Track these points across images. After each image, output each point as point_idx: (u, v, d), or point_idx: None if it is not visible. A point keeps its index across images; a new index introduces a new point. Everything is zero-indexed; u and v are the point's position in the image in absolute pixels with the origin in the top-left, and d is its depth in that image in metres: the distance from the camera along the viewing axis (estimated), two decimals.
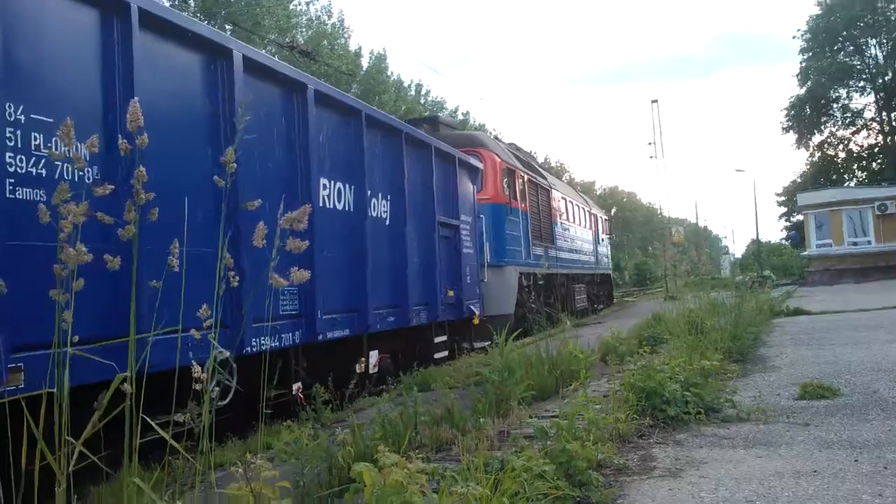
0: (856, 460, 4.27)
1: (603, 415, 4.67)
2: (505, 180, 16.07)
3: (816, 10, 51.32)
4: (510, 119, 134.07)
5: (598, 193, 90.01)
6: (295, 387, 7.18)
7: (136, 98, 2.30)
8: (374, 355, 8.89)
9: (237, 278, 2.58)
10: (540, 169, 22.05)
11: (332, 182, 8.06)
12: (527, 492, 3.05)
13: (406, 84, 52.45)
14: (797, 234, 49.99)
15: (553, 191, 21.20)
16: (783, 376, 7.50)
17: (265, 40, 34.06)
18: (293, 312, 7.07)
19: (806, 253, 39.75)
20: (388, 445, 4.60)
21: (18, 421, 2.42)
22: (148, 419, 2.33)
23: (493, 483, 2.98)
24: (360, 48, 48.28)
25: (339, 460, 3.65)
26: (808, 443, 4.77)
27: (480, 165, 14.00)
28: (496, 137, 21.28)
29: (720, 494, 3.78)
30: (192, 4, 35.27)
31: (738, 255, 72.45)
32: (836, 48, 51.59)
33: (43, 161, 4.47)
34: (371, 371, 8.79)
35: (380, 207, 9.26)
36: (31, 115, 4.42)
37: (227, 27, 33.78)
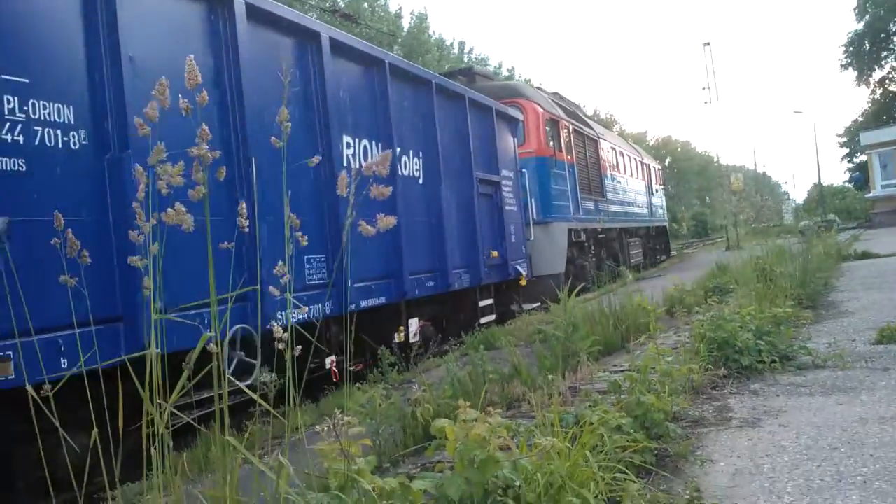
0: None
1: (675, 366, 4.58)
2: (548, 131, 15.23)
3: None
4: (557, 73, 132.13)
5: (650, 144, 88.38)
6: (329, 360, 6.69)
7: (191, 56, 2.23)
8: (413, 323, 8.45)
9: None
10: (586, 119, 21.00)
11: (357, 140, 7.59)
12: (606, 444, 3.01)
13: (448, 43, 51.96)
14: (861, 176, 48.50)
15: (601, 141, 20.22)
16: (857, 321, 7.29)
17: (306, 5, 33.99)
18: (321, 282, 6.60)
19: (871, 194, 38.53)
20: (458, 403, 4.63)
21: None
22: (235, 380, 2.35)
23: (570, 437, 2.95)
24: (400, 9, 48.06)
25: (419, 417, 3.66)
26: (889, 388, 4.63)
27: (521, 116, 13.26)
28: (538, 87, 20.00)
29: (802, 442, 3.69)
30: None
31: (800, 200, 70.75)
32: None
33: (19, 127, 4.10)
34: (412, 340, 8.32)
35: (411, 165, 8.73)
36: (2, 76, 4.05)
37: None
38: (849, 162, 59.75)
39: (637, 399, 3.70)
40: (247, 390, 2.43)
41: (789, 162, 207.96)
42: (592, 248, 17.56)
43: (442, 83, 9.77)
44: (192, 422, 2.81)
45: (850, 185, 59.97)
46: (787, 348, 5.74)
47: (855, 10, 51.26)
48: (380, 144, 7.93)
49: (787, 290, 8.23)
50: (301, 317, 6.07)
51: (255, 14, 6.09)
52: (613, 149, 21.75)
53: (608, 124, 61.56)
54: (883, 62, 52.48)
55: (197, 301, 4.10)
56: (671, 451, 3.61)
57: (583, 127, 18.38)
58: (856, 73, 52.93)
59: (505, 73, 55.40)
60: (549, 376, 5.20)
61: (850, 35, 52.15)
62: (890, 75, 53.11)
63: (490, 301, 10.89)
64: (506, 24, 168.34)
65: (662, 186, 31.38)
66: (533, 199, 13.92)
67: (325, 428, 2.18)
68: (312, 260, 6.52)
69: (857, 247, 17.13)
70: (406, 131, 8.60)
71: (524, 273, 11.81)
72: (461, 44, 53.59)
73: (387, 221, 2.25)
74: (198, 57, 5.29)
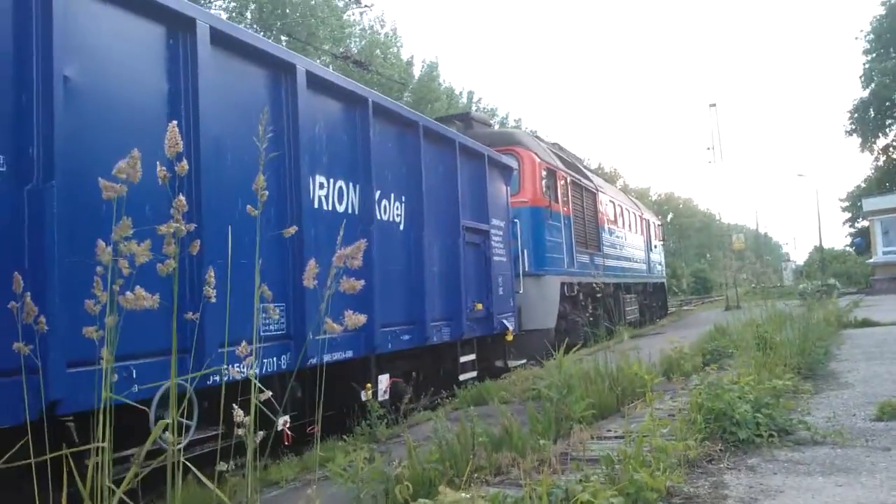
0: None
1: (671, 439, 4.43)
2: (544, 181, 14.81)
3: (880, 11, 49.86)
4: (564, 127, 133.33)
5: (653, 199, 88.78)
6: (281, 421, 5.69)
7: (174, 123, 2.12)
8: (383, 380, 7.81)
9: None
10: (585, 170, 20.68)
11: (332, 180, 7.10)
12: None
13: (458, 92, 52.53)
14: (862, 241, 48.54)
15: (599, 193, 19.80)
16: (857, 394, 7.14)
17: (319, 51, 34.44)
18: (278, 333, 6.05)
19: (872, 260, 38.50)
20: (445, 467, 4.48)
21: None
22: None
23: None
24: (412, 57, 48.71)
25: (397, 496, 3.52)
26: (890, 469, 4.47)
27: (515, 164, 12.83)
28: (537, 136, 19.73)
29: None
30: (249, 17, 35.86)
31: (800, 262, 70.78)
32: None
33: None
34: (381, 398, 7.64)
35: (392, 210, 8.20)
36: None
37: (283, 38, 34.23)
38: (850, 227, 59.91)
39: (630, 476, 3.56)
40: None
41: (791, 224, 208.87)
42: (586, 303, 17.08)
43: (430, 126, 9.32)
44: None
45: (850, 250, 60.00)
46: (786, 422, 5.58)
47: (861, 77, 51.94)
48: (358, 186, 7.50)
49: (787, 358, 8.08)
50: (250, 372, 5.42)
51: (221, 40, 5.68)
52: (612, 202, 21.41)
53: (612, 179, 61.91)
54: (887, 130, 53.00)
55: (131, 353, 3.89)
56: None
57: (581, 178, 18.02)
58: (860, 139, 53.41)
59: (512, 123, 55.96)
60: (541, 441, 5.05)
61: (855, 102, 52.75)
62: (894, 143, 53.56)
63: (472, 356, 10.29)
64: (516, 76, 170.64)
65: (662, 242, 30.89)
66: (525, 250, 13.48)
67: None
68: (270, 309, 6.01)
69: (858, 314, 16.99)
70: (388, 174, 8.16)
71: (511, 327, 11.26)
72: (470, 93, 54.26)
73: (350, 285, 2.10)
74: (152, 82, 5.05)
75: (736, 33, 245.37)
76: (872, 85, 50.57)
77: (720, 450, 5.05)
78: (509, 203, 12.18)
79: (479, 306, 10.17)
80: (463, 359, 9.91)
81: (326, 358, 6.42)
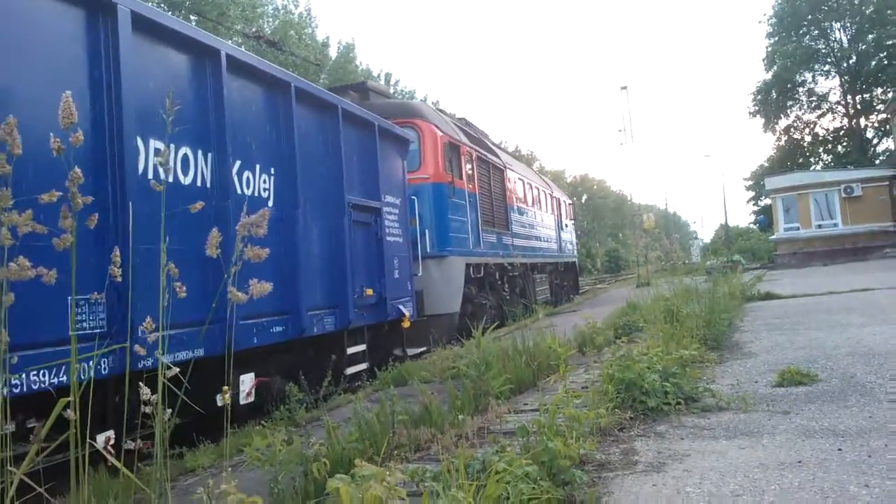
0: (839, 449, 4.23)
1: (584, 409, 4.57)
2: (447, 156, 13.77)
3: None
4: (482, 110, 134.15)
5: (568, 181, 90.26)
6: (101, 438, 4.84)
7: (68, 93, 2.05)
8: (246, 380, 6.72)
9: None
10: (494, 147, 19.70)
11: (171, 145, 5.90)
12: (511, 496, 2.94)
13: (375, 73, 52.12)
14: (765, 218, 50.60)
15: (508, 171, 18.84)
16: (760, 363, 7.49)
17: (231, 30, 33.58)
18: (97, 331, 4.92)
19: (774, 236, 40.17)
20: (364, 446, 4.51)
21: None
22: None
23: (475, 489, 2.87)
24: (327, 38, 48.01)
25: (315, 473, 3.52)
26: (789, 432, 4.72)
27: (412, 137, 12.00)
28: (440, 110, 18.32)
29: (705, 488, 3.71)
30: None
31: (707, 239, 73.29)
32: (801, 32, 52.20)
33: None
34: (244, 401, 6.62)
35: (257, 183, 7.10)
36: None
37: (193, 17, 33.25)
38: (754, 205, 62.37)
39: (544, 445, 3.65)
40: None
41: (698, 203, 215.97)
42: (495, 284, 16.45)
43: (305, 88, 8.18)
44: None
45: (754, 227, 62.50)
46: (693, 390, 5.82)
47: (764, 60, 53.99)
48: (210, 155, 6.37)
49: (694, 330, 8.40)
50: (55, 380, 4.48)
51: None
52: (521, 180, 20.68)
53: (529, 161, 62.58)
54: (788, 111, 55.35)
55: None
56: (578, 499, 3.57)
57: (488, 155, 17.20)
58: (763, 120, 55.59)
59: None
60: (460, 417, 5.13)
61: (758, 84, 54.86)
62: (795, 124, 55.95)
63: (362, 347, 9.35)
64: (434, 58, 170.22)
65: (573, 221, 30.29)
66: (427, 230, 12.70)
67: (204, 492, 2.02)
68: (83, 303, 4.83)
69: (761, 287, 17.72)
70: (253, 142, 7.12)
71: (408, 313, 10.45)
72: (388, 75, 53.92)
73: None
74: None
75: (646, 17, 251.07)
76: (775, 67, 52.62)
77: (630, 418, 5.23)
78: (406, 179, 11.34)
79: (370, 292, 9.31)
80: (351, 349, 8.97)
81: (168, 358, 5.00)
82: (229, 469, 2.29)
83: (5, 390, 2.85)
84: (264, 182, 7.24)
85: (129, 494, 2.74)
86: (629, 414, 5.27)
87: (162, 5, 33.87)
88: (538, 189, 22.75)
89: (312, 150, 8.22)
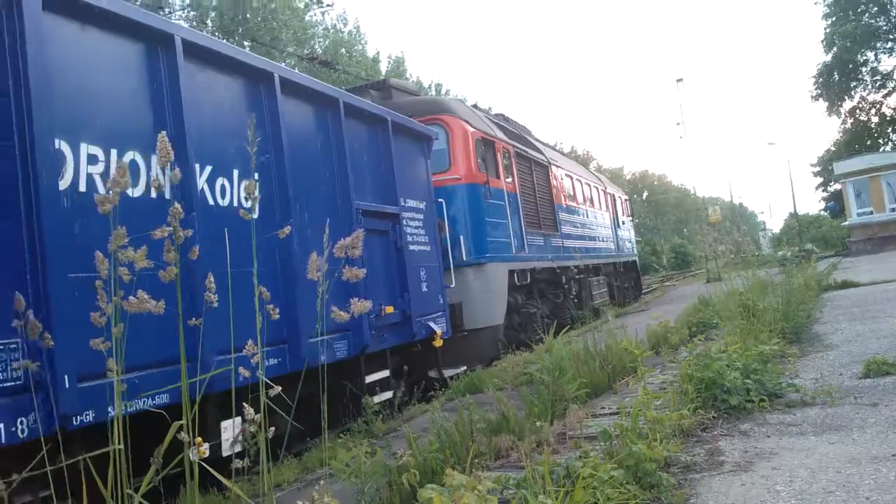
0: None
1: (665, 411, 4.52)
2: (481, 154, 12.53)
3: None
4: (536, 113, 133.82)
5: (627, 178, 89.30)
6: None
7: (163, 133, 2.12)
8: (228, 427, 5.41)
9: None
10: (537, 143, 18.15)
11: (113, 151, 4.85)
12: (599, 501, 2.94)
13: (427, 85, 52.49)
14: (836, 204, 49.14)
15: (553, 167, 17.27)
16: (842, 354, 7.28)
17: (283, 53, 34.30)
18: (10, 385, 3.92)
19: (847, 222, 38.97)
20: (445, 455, 4.54)
21: None
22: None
23: (563, 495, 2.87)
24: (378, 54, 48.54)
25: (405, 483, 3.56)
26: (880, 424, 4.59)
27: (437, 134, 10.83)
28: (474, 105, 16.87)
29: (796, 486, 3.63)
30: (210, 24, 35.61)
31: (776, 229, 71.54)
32: (859, 10, 50.50)
33: None
34: (227, 451, 5.30)
35: (234, 191, 5.96)
36: None
37: (246, 43, 34.05)
38: (823, 191, 60.64)
39: (629, 449, 3.63)
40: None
41: (765, 192, 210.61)
42: (545, 290, 15.18)
43: (293, 79, 7.11)
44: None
45: (825, 214, 60.74)
46: (775, 386, 5.70)
47: (822, 42, 52.44)
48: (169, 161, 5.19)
49: (771, 324, 8.22)
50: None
51: None
52: (569, 176, 19.03)
53: (586, 161, 62.17)
54: (852, 92, 53.54)
55: None
56: (665, 501, 3.53)
57: (528, 150, 15.67)
58: (826, 103, 53.96)
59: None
60: (538, 423, 5.13)
61: (819, 66, 53.27)
62: (860, 105, 54.19)
63: (385, 373, 8.16)
64: (485, 64, 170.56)
65: (631, 218, 28.10)
66: (462, 237, 11.46)
67: None
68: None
69: (837, 276, 17.23)
70: (229, 144, 6.00)
71: (439, 330, 9.29)
72: (438, 86, 54.24)
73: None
74: None
75: (698, 6, 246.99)
76: (834, 49, 51.02)
77: (713, 417, 5.15)
78: (431, 180, 10.25)
79: (391, 309, 8.22)
80: (371, 377, 7.84)
81: (113, 412, 3.89)
82: (322, 482, 2.34)
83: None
84: (244, 191, 5.91)
85: None
86: (711, 413, 5.19)
87: (217, 33, 34.78)
88: (589, 185, 21.26)
89: (309, 152, 7.26)
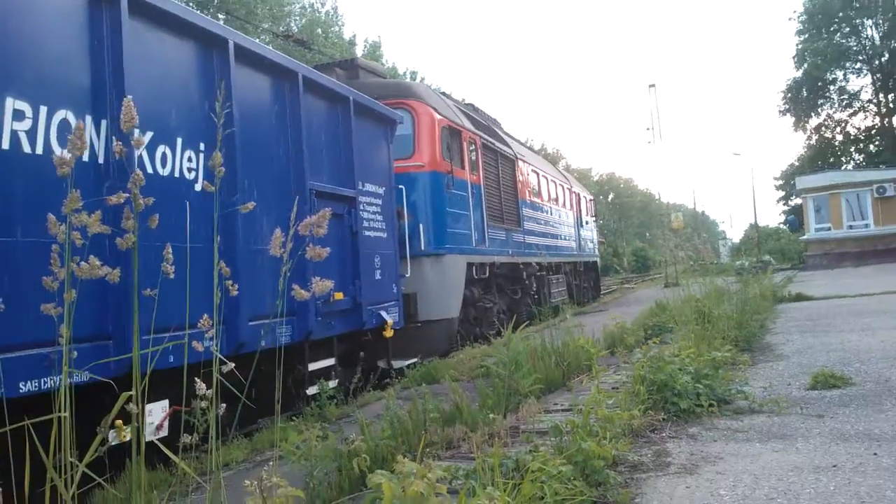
0: (875, 454, 4.19)
1: (616, 410, 4.58)
2: (446, 142, 12.12)
3: None
4: (508, 108, 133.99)
5: (594, 180, 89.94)
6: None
7: (129, 97, 2.09)
8: (155, 410, 5.07)
9: None
10: (504, 136, 17.78)
11: (44, 109, 4.53)
12: (546, 496, 2.96)
13: (402, 72, 52.28)
14: (796, 219, 50.00)
15: (520, 161, 16.95)
16: (792, 365, 7.43)
17: (259, 29, 33.88)
18: None
19: (805, 237, 39.70)
20: (397, 443, 4.55)
21: None
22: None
23: (511, 488, 2.89)
24: (354, 36, 48.19)
25: (355, 468, 3.57)
26: (824, 435, 4.69)
27: (403, 118, 10.52)
28: (443, 93, 16.41)
29: (739, 491, 3.70)
30: None
31: (736, 239, 72.65)
32: (832, 30, 51.47)
33: None
34: (151, 437, 4.83)
35: (179, 161, 5.64)
36: None
37: (221, 16, 33.56)
38: (784, 204, 61.64)
39: (578, 445, 3.67)
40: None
41: (727, 202, 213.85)
42: (503, 286, 15.04)
43: (249, 47, 6.72)
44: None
45: (784, 227, 61.79)
46: (725, 392, 5.80)
47: (794, 58, 53.28)
48: (104, 122, 4.95)
49: (725, 332, 8.35)
50: None
51: None
52: (535, 172, 18.75)
53: (555, 159, 62.45)
54: (819, 110, 54.62)
55: None
56: (611, 500, 3.58)
57: (495, 143, 15.34)
58: (793, 118, 54.95)
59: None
60: (491, 416, 5.16)
61: (788, 82, 54.22)
62: (826, 122, 55.21)
63: (330, 361, 7.78)
64: (462, 59, 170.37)
65: (595, 218, 28.16)
66: (422, 225, 11.21)
67: (252, 485, 2.06)
68: None
69: (792, 289, 17.54)
70: (173, 111, 5.71)
71: (390, 320, 8.98)
72: (413, 73, 54.04)
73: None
74: None
75: (674, 14, 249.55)
76: (805, 65, 51.93)
77: (663, 419, 5.22)
78: (392, 165, 9.90)
79: (340, 295, 7.86)
80: (315, 365, 7.42)
81: (23, 388, 4.13)
82: (271, 463, 2.33)
83: None
84: (189, 161, 5.78)
85: (185, 488, 2.76)
86: (661, 415, 5.26)
87: (191, 3, 34.22)
88: (555, 182, 21.04)
89: (263, 125, 6.93)
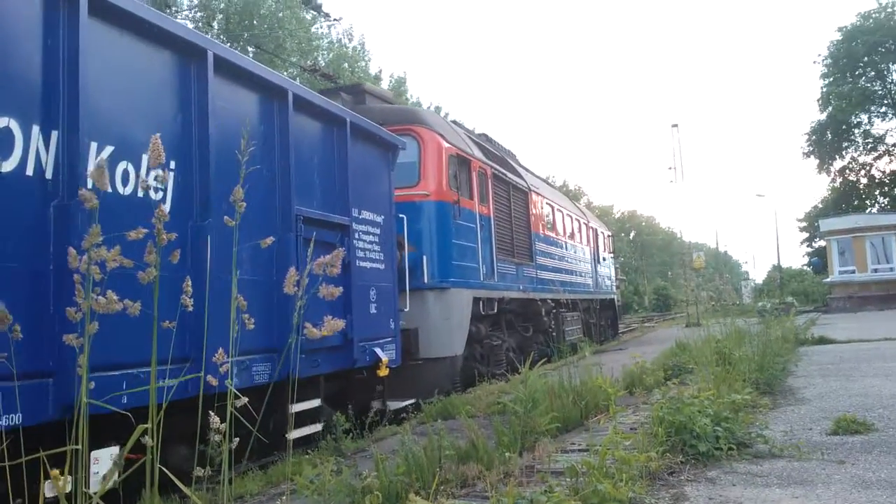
0: None
1: (633, 451, 4.53)
2: (453, 171, 11.71)
3: (837, 36, 51.17)
4: (532, 145, 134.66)
5: (616, 217, 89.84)
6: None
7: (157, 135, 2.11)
8: (104, 458, 4.36)
9: None
10: (518, 167, 17.33)
11: None
12: None
13: (426, 106, 52.78)
14: (819, 261, 49.58)
15: (533, 193, 16.39)
16: (814, 409, 7.32)
17: (286, 63, 34.41)
18: None
19: (828, 279, 39.31)
20: (411, 479, 4.52)
21: None
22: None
23: None
24: (380, 71, 48.83)
25: None
26: (845, 482, 4.61)
27: (407, 145, 10.07)
28: (453, 121, 16.16)
29: None
30: (216, 27, 35.72)
31: (759, 280, 72.03)
32: (857, 73, 51.41)
33: None
34: (95, 488, 3.32)
35: (140, 180, 5.04)
36: None
37: (250, 49, 34.16)
38: (808, 246, 61.16)
39: (594, 487, 3.63)
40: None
41: (750, 243, 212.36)
42: (513, 322, 14.46)
43: (227, 58, 6.15)
44: None
45: (808, 269, 61.24)
46: (745, 435, 5.72)
47: (819, 100, 53.18)
48: (54, 133, 4.47)
49: (746, 374, 8.25)
50: None
51: None
52: (550, 205, 18.13)
53: (576, 196, 62.51)
54: (844, 152, 54.35)
55: None
56: None
57: (507, 174, 14.81)
58: (817, 161, 54.69)
59: None
60: (507, 454, 5.12)
61: (812, 124, 54.06)
62: (850, 165, 54.91)
63: (315, 403, 7.06)
64: (484, 93, 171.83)
65: (612, 255, 27.32)
66: (425, 257, 10.72)
67: None
68: None
69: (815, 331, 17.33)
70: (135, 121, 5.17)
71: (385, 358, 8.29)
72: (438, 108, 54.49)
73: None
74: None
75: (699, 55, 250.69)
76: (829, 108, 51.84)
77: (681, 462, 5.16)
78: (392, 192, 9.30)
79: (324, 331, 6.62)
80: (299, 407, 6.68)
81: None
82: (284, 497, 2.32)
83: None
84: (156, 180, 5.21)
85: None
86: (679, 458, 5.20)
87: (222, 37, 34.88)
88: (570, 216, 20.40)
89: (238, 142, 5.63)
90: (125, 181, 4.96)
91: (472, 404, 8.83)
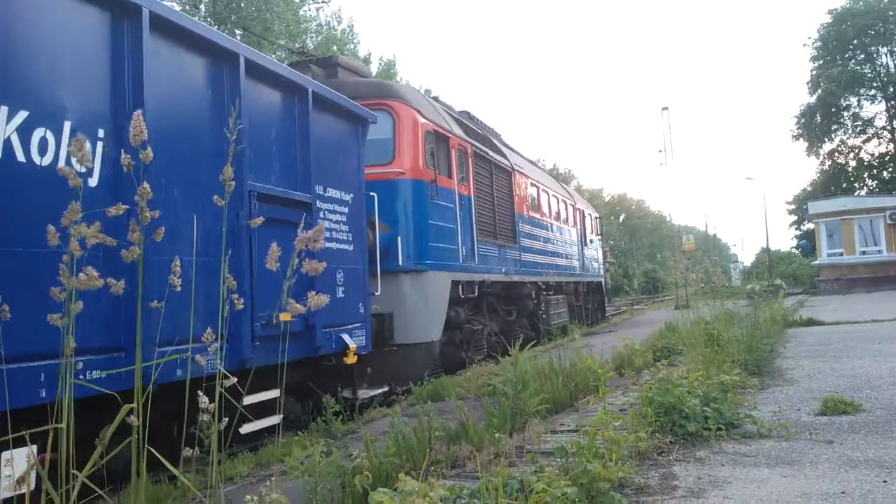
0: (884, 481, 4.14)
1: (623, 432, 4.54)
2: (430, 148, 11.13)
3: (827, 19, 51.20)
4: (521, 127, 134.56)
5: (606, 200, 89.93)
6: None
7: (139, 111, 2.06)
8: (16, 459, 3.49)
9: None
10: (502, 146, 16.59)
11: None
12: None
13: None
14: (808, 243, 49.81)
15: (517, 173, 15.81)
16: (802, 390, 7.36)
17: (274, 45, 34.16)
18: None
19: (817, 262, 39.56)
20: (402, 460, 4.53)
21: None
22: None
23: None
24: (369, 54, 48.51)
25: (357, 485, 3.55)
26: (833, 461, 4.64)
27: (381, 120, 9.64)
28: (435, 98, 15.47)
29: None
30: (203, 10, 35.38)
31: (748, 263, 72.36)
32: (846, 56, 51.47)
33: None
34: (5, 495, 3.46)
35: (60, 149, 4.45)
36: None
37: (238, 32, 33.88)
38: (796, 229, 61.37)
39: (584, 466, 3.64)
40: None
41: (739, 225, 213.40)
42: (495, 306, 14.02)
43: (166, 16, 5.47)
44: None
45: (796, 252, 61.52)
46: (733, 416, 5.75)
47: (808, 83, 53.27)
48: None
49: (734, 355, 8.29)
50: None
51: None
52: (535, 185, 17.55)
53: (567, 179, 62.49)
54: (833, 135, 54.50)
55: None
56: None
57: (490, 152, 14.16)
58: (806, 143, 54.83)
59: None
60: (497, 435, 5.13)
61: (802, 107, 54.17)
62: (839, 148, 55.09)
63: (273, 394, 6.28)
64: (475, 75, 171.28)
65: (600, 237, 26.74)
66: (400, 238, 10.22)
67: (253, 500, 2.05)
68: None
69: (803, 313, 17.44)
70: (57, 84, 4.61)
71: (353, 345, 7.77)
72: (427, 90, 54.27)
73: None
74: None
75: (688, 38, 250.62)
76: (819, 91, 51.95)
77: (670, 442, 5.18)
78: (363, 169, 8.77)
79: (287, 316, 5.71)
80: (254, 398, 5.99)
81: None
82: (273, 478, 2.32)
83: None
84: (86, 149, 4.23)
85: (189, 502, 2.74)
86: (669, 438, 5.22)
87: (209, 19, 34.58)
88: (556, 197, 19.85)
89: (189, 113, 5.86)
90: (42, 151, 4.38)
91: (463, 386, 8.86)
